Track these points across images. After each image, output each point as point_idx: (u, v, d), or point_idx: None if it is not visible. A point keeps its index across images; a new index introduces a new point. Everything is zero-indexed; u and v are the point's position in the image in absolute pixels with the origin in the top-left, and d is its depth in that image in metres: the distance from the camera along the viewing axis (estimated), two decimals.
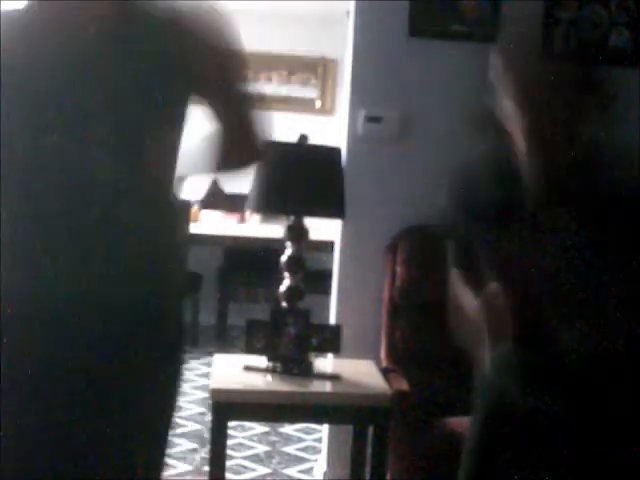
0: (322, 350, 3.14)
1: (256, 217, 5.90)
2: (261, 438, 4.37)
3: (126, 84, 1.66)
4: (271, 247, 4.54)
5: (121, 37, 1.67)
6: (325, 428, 3.72)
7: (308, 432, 4.47)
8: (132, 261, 1.72)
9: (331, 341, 3.04)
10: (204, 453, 3.98)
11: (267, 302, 5.05)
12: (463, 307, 1.91)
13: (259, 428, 4.46)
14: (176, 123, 1.75)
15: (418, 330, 3.35)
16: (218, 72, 1.75)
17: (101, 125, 1.66)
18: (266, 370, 2.97)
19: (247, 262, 6.17)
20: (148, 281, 1.75)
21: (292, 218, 3.04)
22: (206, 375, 5.09)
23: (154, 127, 1.72)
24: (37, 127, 1.65)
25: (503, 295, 1.76)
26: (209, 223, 6.17)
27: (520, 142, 1.79)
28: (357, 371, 3.08)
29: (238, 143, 1.82)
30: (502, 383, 1.89)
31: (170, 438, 1.89)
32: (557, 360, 1.77)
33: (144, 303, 1.73)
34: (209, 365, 3.79)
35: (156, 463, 1.87)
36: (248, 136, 1.81)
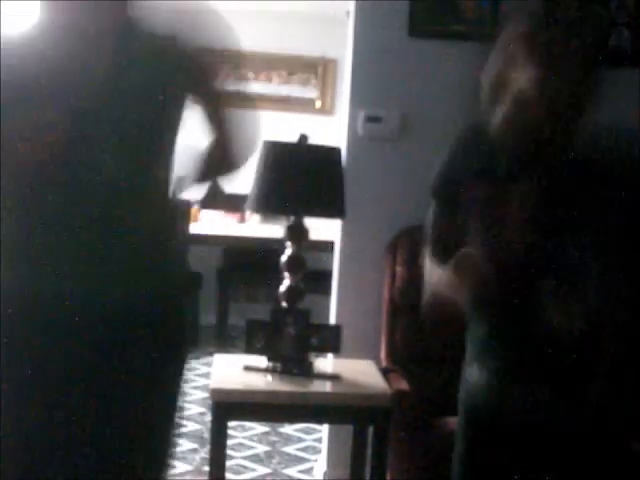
0: (322, 350, 3.14)
1: (256, 217, 5.90)
2: (261, 438, 4.37)
3: (127, 91, 1.70)
4: (271, 247, 4.54)
5: (125, 51, 1.75)
6: (325, 428, 3.72)
7: (308, 432, 4.47)
8: (132, 261, 1.73)
9: (331, 341, 3.04)
10: (204, 453, 3.98)
11: (267, 302, 5.05)
12: (434, 281, 1.89)
13: (259, 428, 4.46)
14: (174, 125, 1.81)
15: (418, 330, 3.35)
16: (206, 76, 1.94)
17: (104, 128, 1.68)
18: (266, 370, 2.97)
19: (247, 262, 6.17)
20: (148, 281, 1.75)
21: (292, 218, 3.04)
22: (206, 375, 5.08)
23: (154, 129, 1.75)
24: (42, 130, 1.67)
25: (482, 258, 1.72)
26: (209, 223, 6.17)
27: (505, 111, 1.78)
28: (357, 371, 3.08)
29: (218, 156, 1.93)
30: (484, 380, 1.86)
31: (173, 438, 1.90)
32: (545, 340, 1.74)
33: (145, 303, 1.73)
34: (209, 365, 3.79)
35: (158, 464, 1.87)
36: (227, 148, 1.92)
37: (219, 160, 1.95)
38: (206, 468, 3.16)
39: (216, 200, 5.75)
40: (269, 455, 4.16)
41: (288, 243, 3.05)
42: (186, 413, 4.59)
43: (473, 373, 1.88)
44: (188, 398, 4.82)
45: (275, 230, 4.61)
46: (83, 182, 1.69)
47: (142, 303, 1.73)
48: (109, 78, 1.70)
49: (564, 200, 1.75)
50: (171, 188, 1.85)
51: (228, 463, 3.21)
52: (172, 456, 1.93)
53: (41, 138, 1.64)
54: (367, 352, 3.33)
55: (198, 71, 1.88)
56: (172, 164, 1.83)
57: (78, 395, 1.71)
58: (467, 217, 1.83)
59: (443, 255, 1.85)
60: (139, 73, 1.73)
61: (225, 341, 6.03)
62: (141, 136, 1.73)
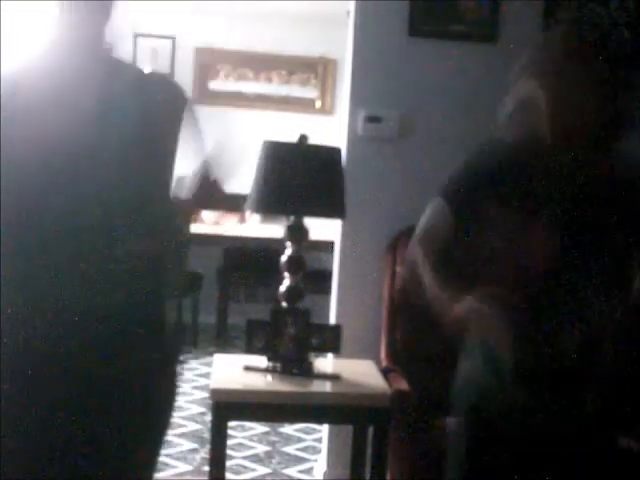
0: (322, 350, 3.14)
1: (256, 217, 5.90)
2: (261, 438, 4.37)
3: (121, 115, 1.77)
4: (271, 247, 4.54)
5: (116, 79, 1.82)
6: (325, 428, 3.72)
7: (308, 432, 4.47)
8: (131, 262, 1.73)
9: (331, 341, 3.04)
10: (204, 453, 3.98)
11: (267, 302, 5.06)
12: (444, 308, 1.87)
13: (259, 428, 4.46)
14: (175, 129, 1.83)
15: (418, 330, 3.35)
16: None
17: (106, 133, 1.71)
18: (266, 370, 2.97)
19: (247, 262, 6.18)
20: (147, 282, 1.75)
21: (292, 218, 3.04)
22: (206, 375, 5.08)
23: (154, 133, 1.77)
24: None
25: (500, 295, 1.72)
26: (209, 223, 6.17)
27: (544, 130, 1.77)
28: (357, 371, 3.08)
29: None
30: (493, 384, 1.86)
31: (166, 438, 1.91)
32: (556, 360, 1.76)
33: (142, 304, 1.74)
34: (209, 365, 3.80)
35: (150, 463, 1.88)
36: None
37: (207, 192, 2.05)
38: (206, 468, 3.16)
39: (216, 200, 5.76)
40: (269, 455, 4.16)
41: (288, 243, 3.05)
42: (186, 413, 4.59)
43: (475, 371, 1.89)
44: (188, 398, 4.83)
45: (275, 230, 4.61)
46: (82, 189, 1.69)
47: (139, 304, 1.73)
48: (102, 106, 1.74)
49: (590, 226, 1.76)
50: (171, 189, 1.86)
51: (228, 463, 3.21)
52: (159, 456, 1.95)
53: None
54: (367, 352, 3.33)
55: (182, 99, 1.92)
56: (172, 166, 1.85)
57: (75, 395, 1.71)
58: (482, 231, 1.80)
59: (452, 269, 1.84)
60: (130, 99, 1.78)
61: (225, 341, 6.03)
62: (141, 150, 1.75)
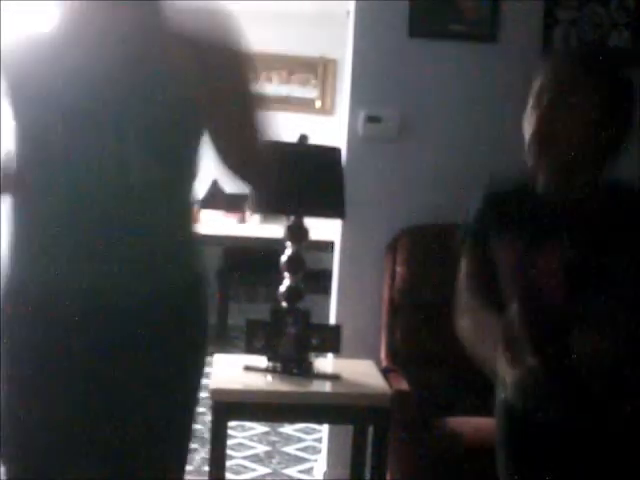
0: (322, 350, 3.14)
1: (256, 217, 5.90)
2: (261, 438, 4.37)
3: (144, 87, 1.69)
4: (271, 247, 4.54)
5: (144, 50, 1.71)
6: (325, 428, 3.72)
7: (308, 432, 4.47)
8: (148, 256, 1.72)
9: (331, 341, 3.04)
10: (204, 453, 3.98)
11: (267, 302, 5.05)
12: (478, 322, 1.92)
13: (259, 428, 4.46)
14: (195, 122, 1.77)
15: (418, 330, 3.35)
16: (231, 77, 1.81)
17: (123, 125, 1.68)
18: (266, 370, 2.97)
19: (247, 262, 6.17)
20: (166, 276, 1.75)
21: (292, 218, 3.04)
22: (206, 375, 5.07)
23: (173, 126, 1.73)
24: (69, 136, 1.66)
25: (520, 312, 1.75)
26: (209, 223, 6.17)
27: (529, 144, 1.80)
28: (357, 371, 3.08)
29: (239, 142, 1.89)
30: (523, 403, 1.88)
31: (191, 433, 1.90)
32: (578, 371, 1.77)
33: (161, 299, 1.73)
34: (209, 365, 3.80)
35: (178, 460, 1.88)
36: (250, 135, 1.90)
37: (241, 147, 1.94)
38: (206, 468, 3.16)
39: (216, 200, 5.76)
40: (269, 455, 4.16)
41: (288, 243, 3.05)
42: None
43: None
44: None
45: (275, 230, 4.61)
46: (97, 178, 1.68)
47: (158, 299, 1.72)
48: (123, 75, 1.67)
49: (598, 251, 1.79)
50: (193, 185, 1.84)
51: (228, 463, 3.21)
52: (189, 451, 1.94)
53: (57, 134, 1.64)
54: (367, 352, 3.33)
55: (219, 68, 1.79)
56: (196, 163, 1.81)
57: (96, 397, 1.70)
58: (498, 270, 1.88)
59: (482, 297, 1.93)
60: (154, 69, 1.70)
61: (225, 341, 6.03)
62: (160, 134, 1.70)
